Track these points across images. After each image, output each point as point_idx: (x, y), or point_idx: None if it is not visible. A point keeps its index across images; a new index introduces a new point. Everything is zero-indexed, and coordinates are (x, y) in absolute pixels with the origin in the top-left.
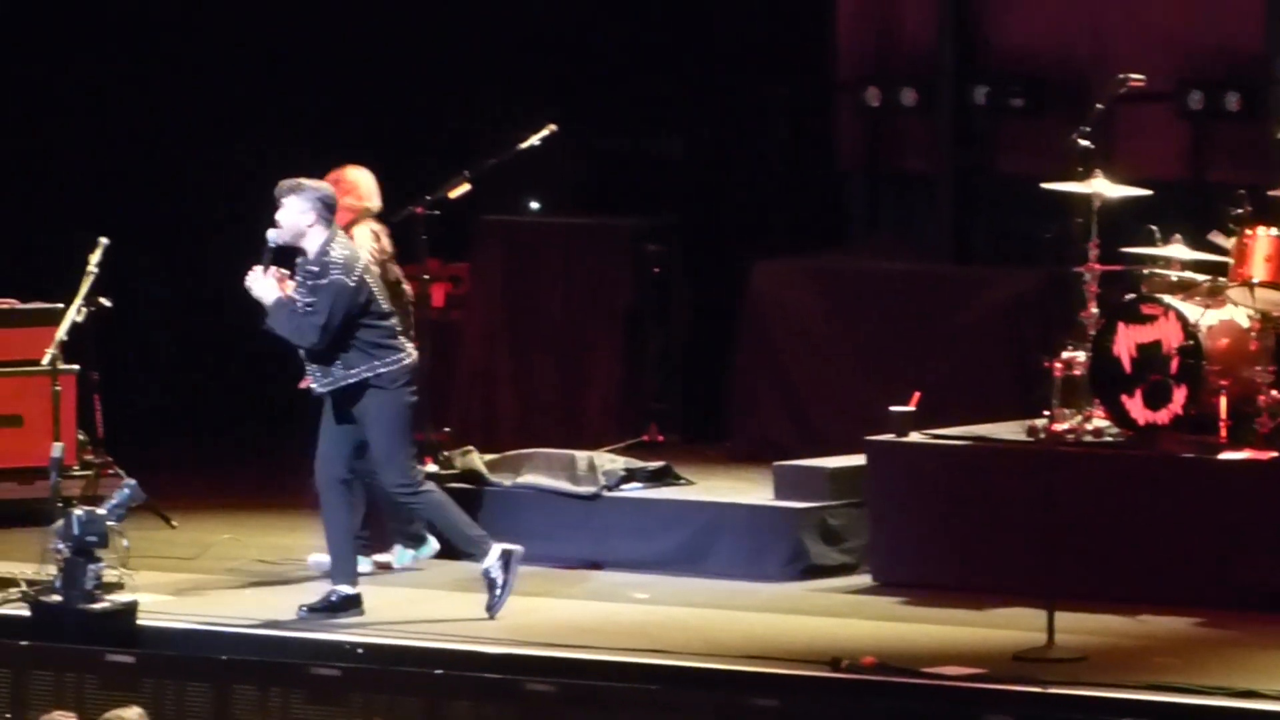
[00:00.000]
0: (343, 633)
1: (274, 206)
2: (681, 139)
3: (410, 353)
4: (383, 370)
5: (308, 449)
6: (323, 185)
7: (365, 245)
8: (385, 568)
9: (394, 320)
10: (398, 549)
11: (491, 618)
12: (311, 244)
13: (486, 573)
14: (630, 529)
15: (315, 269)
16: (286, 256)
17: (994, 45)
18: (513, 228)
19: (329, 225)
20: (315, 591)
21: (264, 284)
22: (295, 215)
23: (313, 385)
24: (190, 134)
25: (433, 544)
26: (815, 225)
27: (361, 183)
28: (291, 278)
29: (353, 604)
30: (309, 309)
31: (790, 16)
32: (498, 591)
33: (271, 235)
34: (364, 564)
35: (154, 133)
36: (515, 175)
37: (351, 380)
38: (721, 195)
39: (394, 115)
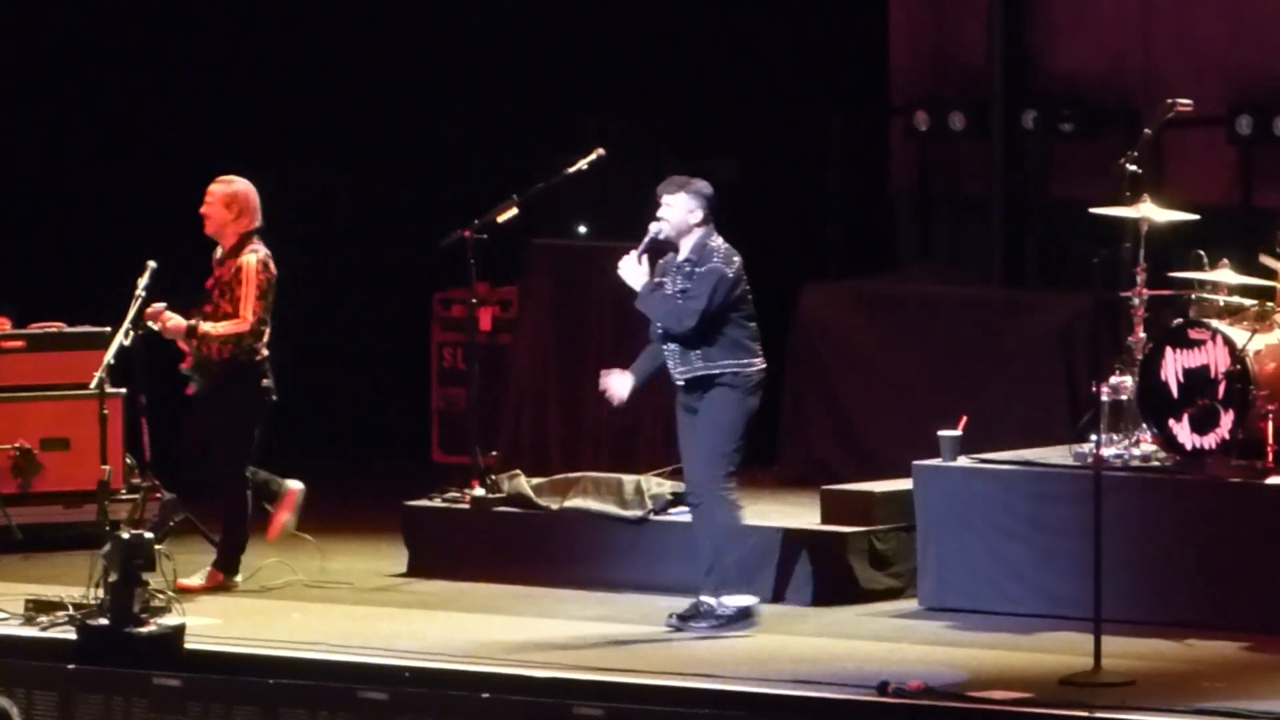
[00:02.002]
0: (388, 656)
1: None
2: (733, 162)
3: (761, 361)
4: (738, 370)
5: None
6: (706, 184)
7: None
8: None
9: (755, 326)
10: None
11: (667, 625)
12: (691, 240)
13: (706, 604)
14: (678, 553)
15: (694, 258)
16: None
17: (1044, 70)
18: (563, 251)
19: (710, 223)
20: (364, 617)
21: (636, 269)
22: (683, 212)
23: (674, 376)
24: (238, 158)
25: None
26: (866, 248)
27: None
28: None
29: (746, 615)
30: (686, 294)
31: (844, 41)
32: (699, 623)
33: (654, 228)
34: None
35: (202, 156)
36: (565, 199)
37: (708, 372)
38: (774, 219)
39: (444, 139)
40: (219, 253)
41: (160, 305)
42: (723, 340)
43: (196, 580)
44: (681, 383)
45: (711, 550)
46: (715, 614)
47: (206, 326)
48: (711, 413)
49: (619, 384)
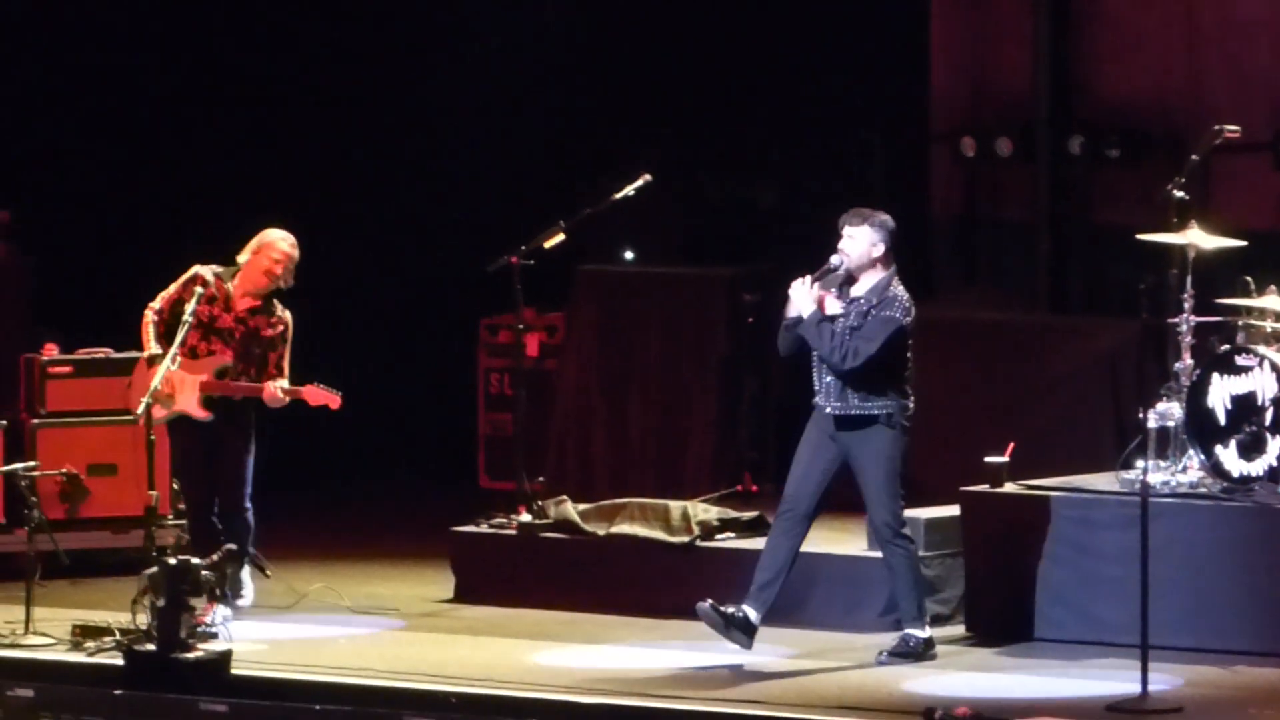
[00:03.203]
0: (435, 682)
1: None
2: (778, 188)
3: (913, 402)
4: (893, 410)
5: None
6: (889, 219)
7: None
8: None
9: (911, 371)
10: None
11: (877, 662)
12: (873, 276)
13: (908, 637)
14: (724, 579)
15: (877, 300)
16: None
17: (1090, 95)
18: (609, 277)
19: (891, 261)
20: (411, 643)
21: (807, 295)
22: (866, 245)
23: (819, 403)
24: (281, 190)
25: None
26: (911, 274)
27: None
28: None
29: (929, 647)
30: (859, 334)
31: (887, 66)
32: (897, 657)
33: (836, 260)
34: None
35: (246, 185)
36: (611, 225)
37: (864, 413)
38: (818, 244)
39: (490, 165)
40: (239, 297)
41: (277, 393)
42: (882, 380)
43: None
44: (834, 417)
45: (912, 586)
46: (910, 645)
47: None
48: (877, 460)
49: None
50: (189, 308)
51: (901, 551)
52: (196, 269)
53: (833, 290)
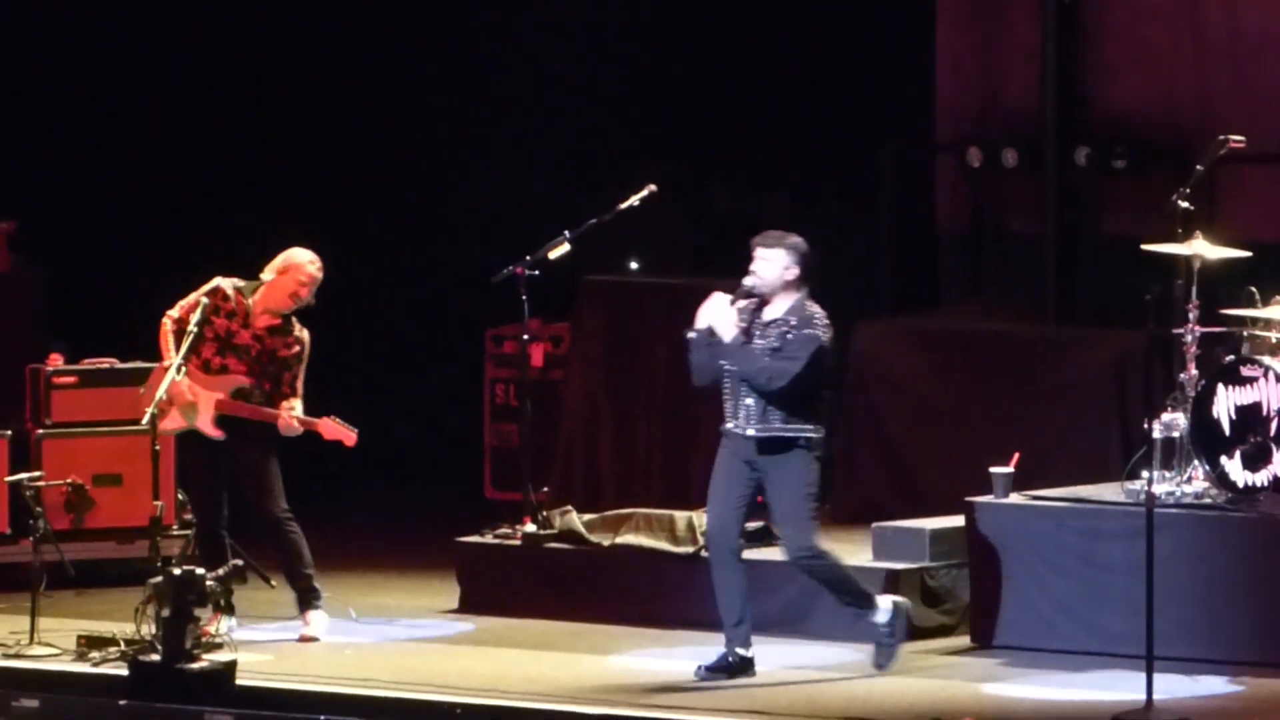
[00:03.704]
0: (440, 693)
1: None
2: (785, 199)
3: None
4: (813, 435)
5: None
6: (803, 241)
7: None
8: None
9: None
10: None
11: (880, 670)
12: (787, 298)
13: (874, 626)
14: None
15: (795, 320)
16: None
17: (1096, 106)
18: (615, 288)
19: (804, 283)
20: (416, 653)
21: (728, 317)
22: (779, 269)
23: (734, 429)
24: (288, 201)
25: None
26: (918, 285)
27: None
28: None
29: (749, 666)
30: (782, 354)
31: (894, 78)
32: (887, 644)
33: (750, 283)
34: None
35: (257, 195)
36: (617, 235)
37: (785, 435)
38: (825, 255)
39: (496, 176)
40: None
41: (293, 423)
42: (803, 404)
43: (313, 630)
44: (754, 439)
45: (846, 583)
46: (880, 627)
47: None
48: (792, 484)
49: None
50: (195, 318)
51: (823, 566)
52: (218, 281)
53: (743, 313)
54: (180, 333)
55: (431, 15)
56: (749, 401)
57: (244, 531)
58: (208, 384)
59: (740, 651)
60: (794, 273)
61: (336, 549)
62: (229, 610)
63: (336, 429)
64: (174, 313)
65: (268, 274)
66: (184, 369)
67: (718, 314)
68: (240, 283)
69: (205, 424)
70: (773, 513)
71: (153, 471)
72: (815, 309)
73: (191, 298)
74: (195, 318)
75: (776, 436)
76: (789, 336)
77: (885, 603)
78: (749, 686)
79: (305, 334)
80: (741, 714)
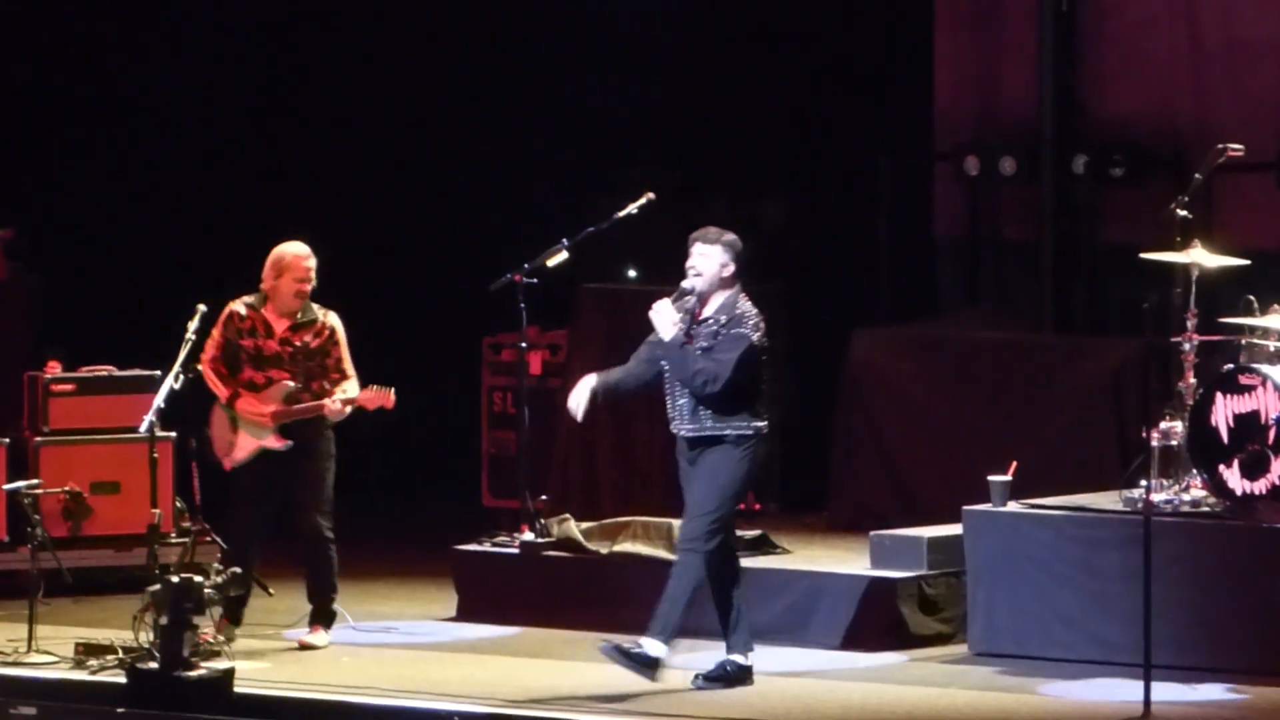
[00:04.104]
0: (437, 701)
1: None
2: (783, 206)
3: (766, 425)
4: (747, 432)
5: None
6: (738, 239)
7: None
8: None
9: (766, 391)
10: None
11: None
12: (720, 295)
13: (637, 644)
14: None
15: (725, 319)
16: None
17: (1094, 114)
18: (612, 295)
19: (738, 280)
20: (414, 661)
21: (670, 318)
22: (717, 265)
23: (673, 429)
24: (285, 204)
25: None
26: (915, 293)
27: None
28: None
29: (654, 666)
30: (712, 354)
31: (892, 85)
32: (618, 654)
33: (690, 284)
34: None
35: (253, 202)
36: (615, 243)
37: (716, 433)
38: (823, 263)
39: (494, 183)
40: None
41: (337, 406)
42: (734, 401)
43: (315, 641)
44: (688, 438)
45: (673, 600)
46: (630, 652)
47: (353, 394)
48: (712, 472)
49: (579, 394)
50: (192, 325)
51: (691, 564)
52: (230, 306)
53: (684, 313)
54: (223, 368)
55: (430, 25)
56: (682, 401)
57: (269, 535)
58: (261, 400)
59: (737, 659)
60: (731, 269)
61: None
62: (236, 620)
63: (375, 397)
64: (209, 354)
65: (266, 283)
66: (182, 377)
67: (662, 317)
68: (249, 299)
69: (269, 439)
70: (686, 497)
71: (151, 479)
72: (747, 306)
73: (215, 333)
74: (192, 325)
75: (708, 435)
76: (719, 335)
77: (659, 649)
78: (745, 693)
79: (330, 316)
80: None
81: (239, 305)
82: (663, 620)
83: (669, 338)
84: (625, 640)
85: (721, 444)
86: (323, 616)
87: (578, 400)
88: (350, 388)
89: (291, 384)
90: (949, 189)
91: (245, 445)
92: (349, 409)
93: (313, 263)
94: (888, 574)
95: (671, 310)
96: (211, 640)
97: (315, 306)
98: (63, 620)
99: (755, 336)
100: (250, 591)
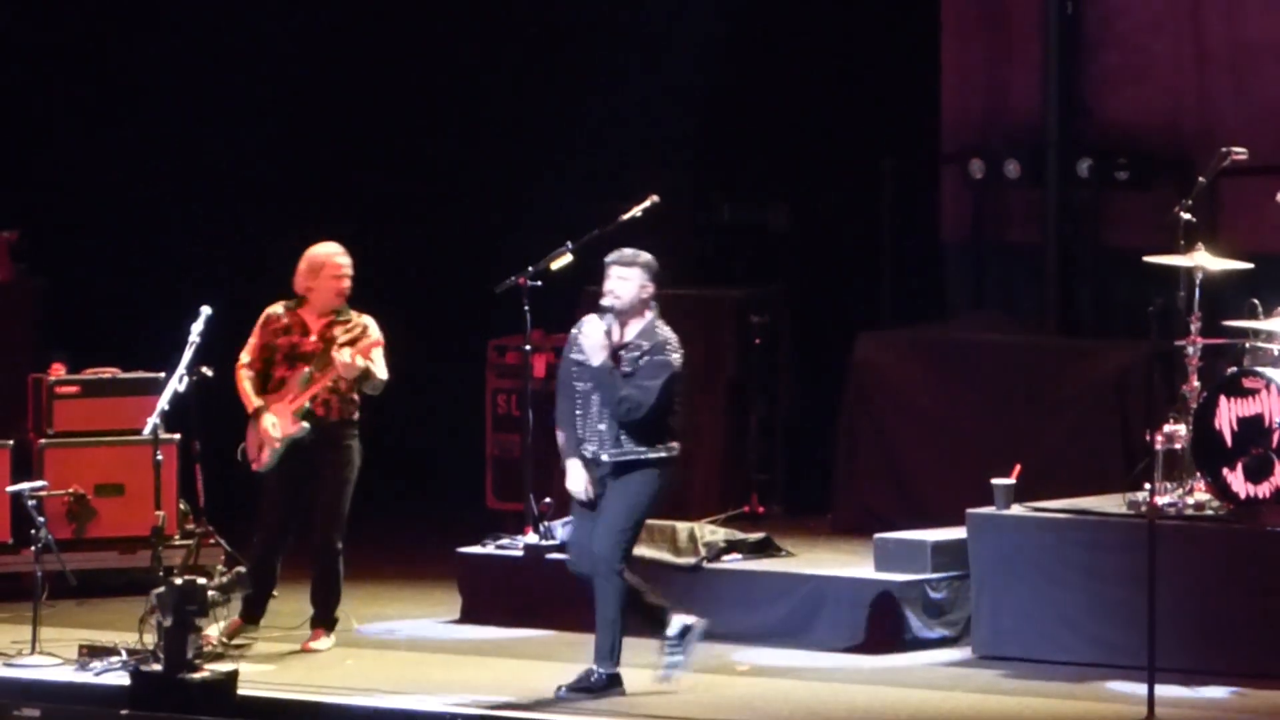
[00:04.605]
0: (442, 703)
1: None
2: (788, 210)
3: (679, 445)
4: (664, 455)
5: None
6: (654, 259)
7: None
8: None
9: (680, 413)
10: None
11: (662, 680)
12: (640, 321)
13: (591, 672)
14: (732, 601)
15: (648, 344)
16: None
17: (1099, 118)
18: None
19: (653, 301)
20: (418, 663)
21: (601, 343)
22: (636, 287)
23: (588, 453)
24: (290, 209)
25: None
26: (920, 297)
27: None
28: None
29: (615, 683)
30: (635, 380)
31: (897, 89)
32: (576, 691)
33: (608, 303)
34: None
35: (256, 205)
36: (619, 246)
37: (636, 458)
38: (828, 266)
39: (498, 185)
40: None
41: (346, 358)
42: (653, 426)
43: (319, 645)
44: (611, 463)
45: (611, 623)
46: (668, 638)
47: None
48: (628, 493)
49: (578, 480)
50: (196, 327)
51: (613, 588)
52: (266, 310)
53: (606, 335)
54: (256, 376)
55: (431, 25)
56: (602, 426)
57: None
58: (283, 397)
59: (606, 670)
60: (649, 290)
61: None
62: (253, 621)
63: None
64: (244, 359)
65: (303, 287)
66: (186, 379)
67: (593, 341)
68: (287, 302)
69: (290, 427)
70: (598, 515)
71: (155, 481)
72: (666, 332)
73: (253, 339)
74: (197, 327)
75: (630, 460)
76: (641, 362)
77: (678, 620)
78: (749, 695)
79: (365, 318)
80: None
81: (276, 307)
82: (608, 645)
83: (598, 363)
84: (576, 678)
85: (641, 467)
86: (324, 622)
87: (582, 483)
88: (374, 357)
89: (308, 368)
90: (954, 192)
91: (271, 441)
92: (359, 363)
93: (347, 259)
94: (892, 577)
95: (602, 333)
96: (215, 644)
97: (351, 311)
98: (67, 622)
99: (677, 363)
100: (270, 592)
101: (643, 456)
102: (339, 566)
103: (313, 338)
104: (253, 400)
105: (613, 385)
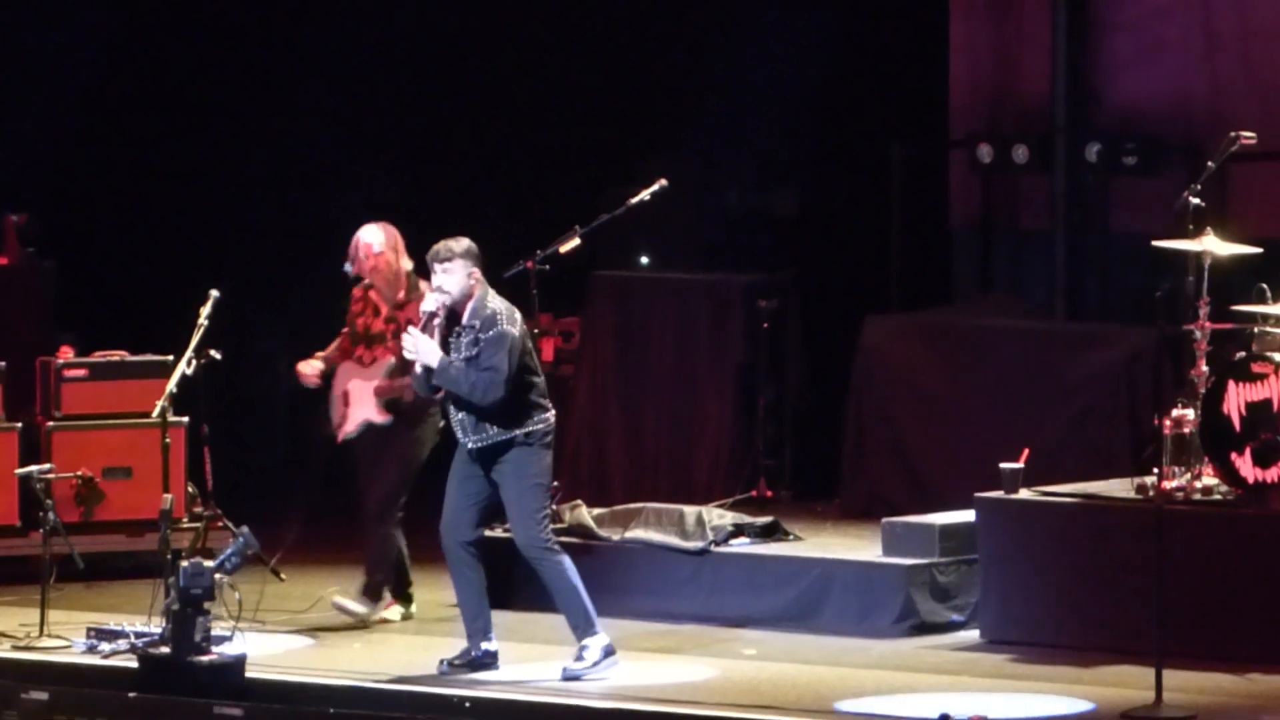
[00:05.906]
0: (449, 687)
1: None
2: (796, 195)
3: (553, 411)
4: (533, 429)
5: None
6: (472, 242)
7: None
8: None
9: (542, 378)
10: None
11: (562, 679)
12: (470, 303)
13: (586, 648)
14: (739, 585)
15: (477, 323)
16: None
17: (1107, 102)
18: (625, 283)
19: (484, 281)
20: (425, 647)
21: (429, 345)
22: (463, 277)
23: (467, 443)
24: (302, 188)
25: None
26: (928, 282)
27: None
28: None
29: (492, 660)
30: (478, 362)
31: (906, 74)
32: (584, 665)
33: (436, 300)
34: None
35: (267, 186)
36: (627, 230)
37: (505, 438)
38: (836, 251)
39: (507, 170)
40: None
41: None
42: (514, 403)
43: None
44: (474, 450)
45: (572, 592)
46: (586, 663)
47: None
48: (520, 477)
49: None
50: (204, 311)
51: (553, 564)
52: (353, 291)
53: (438, 329)
54: (345, 341)
55: (437, 16)
56: (460, 416)
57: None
58: (366, 376)
59: (484, 646)
60: (476, 273)
61: (345, 543)
62: (407, 600)
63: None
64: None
65: (363, 273)
66: (194, 362)
67: (421, 349)
68: (365, 282)
69: (373, 413)
70: (505, 508)
71: (163, 464)
72: (496, 304)
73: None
74: (205, 310)
75: (495, 443)
76: (480, 342)
77: (599, 641)
78: (757, 680)
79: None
80: (750, 708)
81: (358, 288)
82: (581, 620)
83: (437, 363)
84: (568, 662)
85: (514, 446)
86: (378, 590)
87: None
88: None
89: (394, 360)
90: (962, 177)
91: (355, 419)
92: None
93: (376, 236)
94: (899, 561)
95: (426, 339)
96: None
97: (418, 282)
98: (75, 605)
99: (514, 330)
100: (400, 562)
101: (506, 438)
102: (383, 539)
103: (381, 319)
104: (329, 352)
105: (456, 379)
